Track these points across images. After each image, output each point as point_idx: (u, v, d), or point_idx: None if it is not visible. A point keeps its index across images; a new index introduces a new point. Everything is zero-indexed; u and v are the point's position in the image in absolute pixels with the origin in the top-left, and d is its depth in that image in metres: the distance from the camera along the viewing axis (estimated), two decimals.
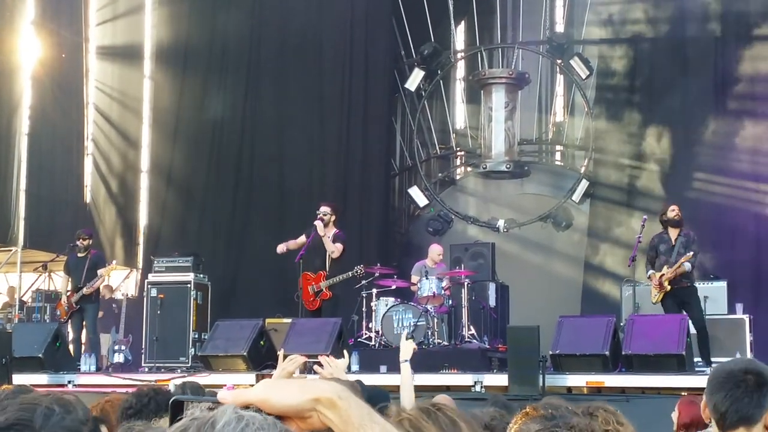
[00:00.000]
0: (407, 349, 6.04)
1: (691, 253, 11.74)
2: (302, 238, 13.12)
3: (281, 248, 13.36)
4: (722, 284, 13.39)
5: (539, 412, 1.96)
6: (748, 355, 12.34)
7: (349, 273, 13.02)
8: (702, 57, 16.30)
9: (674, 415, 6.29)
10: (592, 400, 2.03)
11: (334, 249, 12.98)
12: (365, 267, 13.39)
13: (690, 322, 11.47)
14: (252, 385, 1.50)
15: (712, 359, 12.08)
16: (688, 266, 11.73)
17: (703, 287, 13.03)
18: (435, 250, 14.62)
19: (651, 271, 12.03)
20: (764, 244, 15.00)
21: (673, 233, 12.03)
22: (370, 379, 7.22)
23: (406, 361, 5.94)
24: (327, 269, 13.00)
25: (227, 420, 1.29)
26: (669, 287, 11.80)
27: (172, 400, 1.37)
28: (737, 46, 15.94)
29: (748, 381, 2.63)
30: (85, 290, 13.32)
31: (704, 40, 16.38)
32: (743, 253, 14.69)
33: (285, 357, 4.85)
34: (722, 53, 16.11)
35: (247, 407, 1.33)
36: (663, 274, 11.81)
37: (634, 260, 12.43)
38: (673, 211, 12.05)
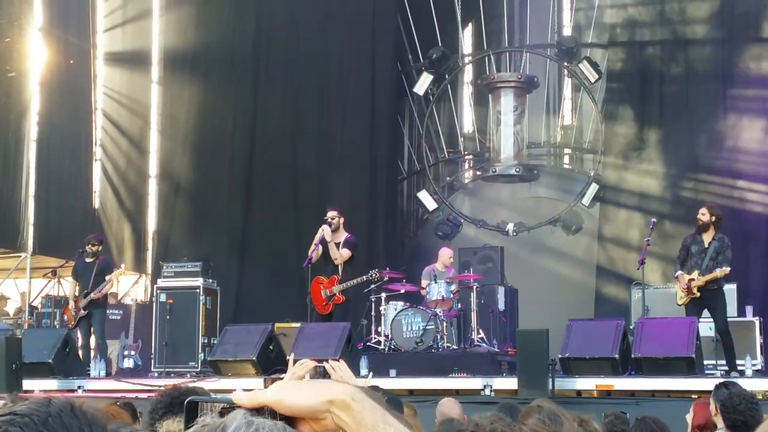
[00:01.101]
0: None
1: (728, 269, 11.22)
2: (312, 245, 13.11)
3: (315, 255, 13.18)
4: (732, 287, 13.32)
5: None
6: (758, 358, 12.30)
7: (364, 277, 13.03)
8: (710, 58, 16.29)
9: (689, 417, 6.31)
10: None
11: (338, 256, 12.95)
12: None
13: (713, 325, 11.44)
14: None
15: (721, 362, 12.06)
16: (718, 272, 11.23)
17: None
18: (446, 254, 14.62)
19: (680, 272, 11.47)
20: None
21: (706, 236, 11.47)
22: (379, 384, 7.22)
23: None
24: (340, 273, 13.00)
25: (237, 425, 1.30)
26: (698, 294, 11.36)
27: (187, 401, 1.38)
28: (743, 47, 15.92)
29: None
30: (93, 295, 13.33)
31: (711, 42, 16.36)
32: (753, 255, 14.65)
33: (295, 362, 4.84)
34: (729, 54, 16.09)
35: (261, 408, 1.34)
36: (692, 279, 11.37)
37: (643, 263, 12.36)
38: (703, 215, 11.44)
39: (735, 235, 14.98)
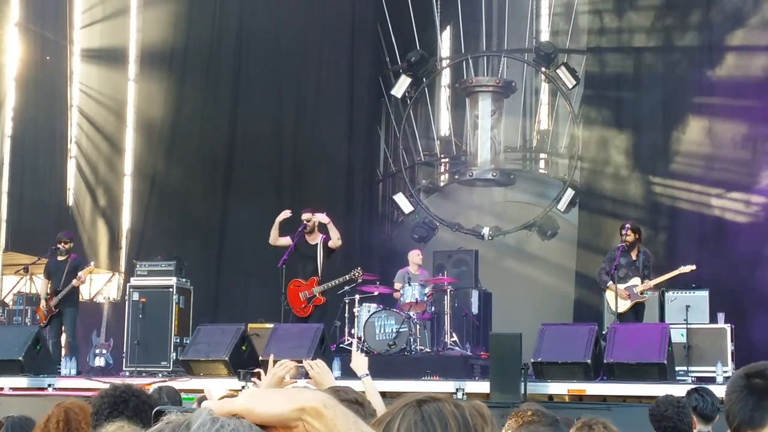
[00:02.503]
0: (362, 363, 5.73)
1: (694, 266, 12.46)
2: (287, 240, 13.13)
3: (274, 236, 13.30)
4: (704, 293, 13.41)
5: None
6: (729, 365, 12.38)
7: (346, 276, 13.03)
8: (685, 65, 16.38)
9: None
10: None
11: (338, 239, 12.97)
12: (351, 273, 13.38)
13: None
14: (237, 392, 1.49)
15: (692, 368, 12.17)
16: (685, 268, 12.39)
17: (684, 296, 13.13)
18: (414, 254, 14.70)
19: (610, 283, 12.36)
20: (746, 253, 15.05)
21: (633, 252, 12.52)
22: (351, 386, 7.20)
23: (366, 375, 5.63)
24: (320, 275, 12.98)
25: (202, 421, 1.28)
26: (646, 297, 12.38)
27: (155, 410, 1.37)
28: (718, 54, 16.01)
29: (751, 385, 2.57)
30: (63, 293, 13.24)
31: (686, 49, 16.46)
32: (725, 262, 14.72)
33: (275, 362, 4.82)
34: (704, 61, 16.18)
35: (231, 418, 1.32)
36: (634, 285, 12.33)
37: (616, 269, 12.46)
38: (628, 236, 12.38)
39: (706, 241, 15.13)
